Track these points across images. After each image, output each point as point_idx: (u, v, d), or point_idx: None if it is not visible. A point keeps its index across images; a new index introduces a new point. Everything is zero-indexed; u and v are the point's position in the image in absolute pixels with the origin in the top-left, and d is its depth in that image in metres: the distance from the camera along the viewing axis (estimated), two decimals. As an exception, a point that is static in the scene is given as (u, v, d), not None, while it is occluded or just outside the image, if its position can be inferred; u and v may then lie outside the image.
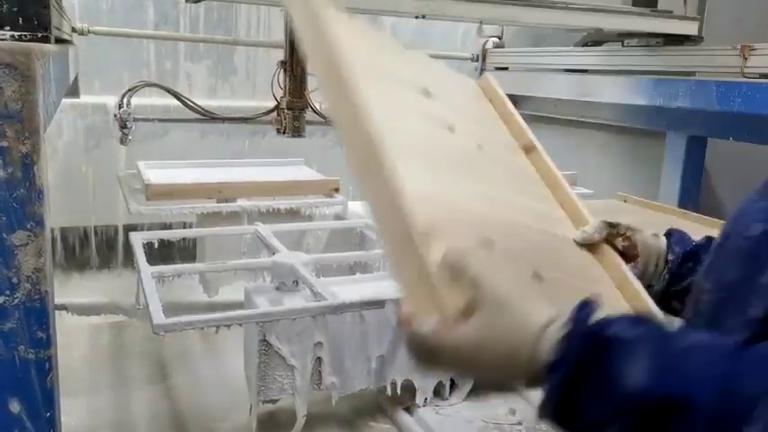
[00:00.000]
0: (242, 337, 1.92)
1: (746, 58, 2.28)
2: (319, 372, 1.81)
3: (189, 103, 2.58)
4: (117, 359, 2.34)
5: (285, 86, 2.53)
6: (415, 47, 3.01)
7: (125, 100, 2.52)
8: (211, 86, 3.64)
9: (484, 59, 3.57)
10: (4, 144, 0.85)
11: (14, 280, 0.89)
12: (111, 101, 3.35)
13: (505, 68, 3.52)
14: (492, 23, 2.14)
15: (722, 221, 2.20)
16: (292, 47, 2.45)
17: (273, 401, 1.84)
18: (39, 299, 0.90)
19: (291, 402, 1.81)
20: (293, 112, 2.52)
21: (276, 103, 2.58)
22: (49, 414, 0.94)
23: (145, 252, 1.87)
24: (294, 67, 2.49)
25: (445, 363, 0.65)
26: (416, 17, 1.95)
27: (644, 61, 2.68)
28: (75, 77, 2.47)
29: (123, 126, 2.50)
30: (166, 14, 3.45)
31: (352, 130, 0.71)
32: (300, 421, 1.81)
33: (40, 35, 1.19)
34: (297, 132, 2.55)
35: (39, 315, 0.91)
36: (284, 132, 2.55)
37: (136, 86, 2.56)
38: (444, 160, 0.91)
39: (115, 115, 2.50)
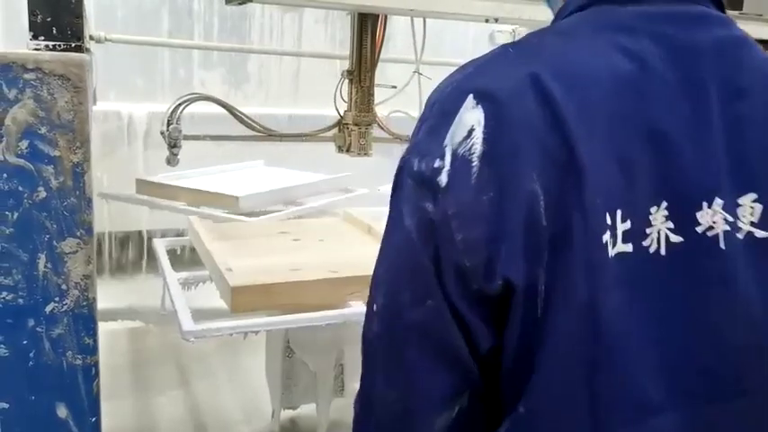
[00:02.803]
0: (262, 343, 1.93)
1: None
2: (342, 378, 1.83)
3: (243, 117, 2.30)
4: (136, 365, 2.35)
5: (351, 99, 2.25)
6: (426, 54, 3.00)
7: (175, 115, 2.13)
8: (224, 94, 3.66)
9: (495, 67, 3.59)
10: (57, 154, 0.87)
11: (64, 287, 0.90)
12: (125, 108, 3.40)
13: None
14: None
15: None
16: (360, 55, 2.22)
17: (295, 407, 1.86)
18: (86, 305, 0.92)
19: (313, 408, 1.82)
20: (359, 129, 2.26)
21: (339, 117, 2.29)
22: (94, 419, 0.96)
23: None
24: (362, 77, 2.24)
25: None
26: (486, 21, 1.88)
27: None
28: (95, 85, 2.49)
29: (173, 145, 2.14)
30: (180, 22, 3.48)
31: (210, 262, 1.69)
32: (323, 427, 1.82)
33: (73, 45, 1.21)
34: (363, 151, 2.27)
35: (86, 321, 0.92)
36: (348, 150, 2.28)
37: (186, 100, 2.16)
38: (271, 252, 1.79)
39: (162, 133, 2.13)
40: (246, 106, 3.72)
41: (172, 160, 2.14)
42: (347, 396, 1.84)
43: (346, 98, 2.29)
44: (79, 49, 1.22)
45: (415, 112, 2.49)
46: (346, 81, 2.29)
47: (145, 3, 3.38)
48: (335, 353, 1.80)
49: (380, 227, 1.96)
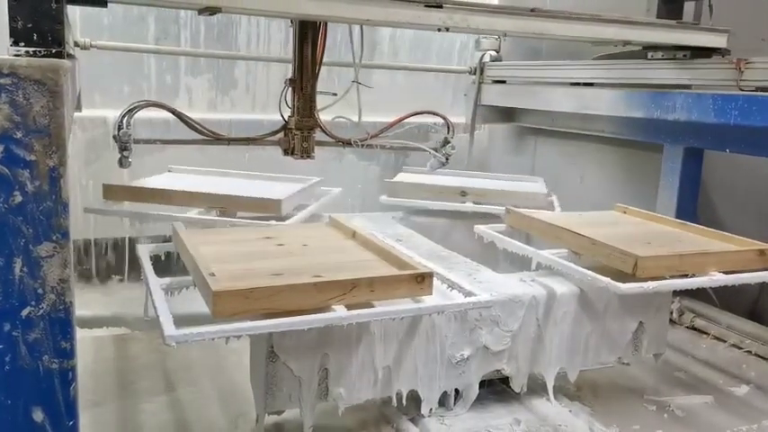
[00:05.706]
0: (247, 349, 1.93)
1: (742, 72, 2.33)
2: (326, 383, 1.83)
3: (191, 122, 2.39)
4: (121, 372, 2.35)
5: (293, 105, 2.41)
6: (413, 61, 3.01)
7: (125, 120, 2.27)
8: (211, 100, 3.67)
9: (482, 73, 3.62)
10: (32, 158, 0.87)
11: (40, 291, 0.90)
12: (112, 114, 3.39)
13: (503, 82, 3.57)
14: (519, 36, 2.08)
15: (721, 232, 2.24)
16: (302, 63, 2.34)
17: (279, 412, 1.85)
18: (63, 309, 0.92)
19: (298, 413, 1.82)
20: (302, 133, 2.40)
21: (284, 122, 2.45)
22: (71, 423, 0.96)
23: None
24: (303, 84, 2.36)
25: None
26: (439, 30, 1.94)
27: (640, 74, 2.73)
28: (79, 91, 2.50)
29: (123, 148, 2.27)
30: (167, 29, 3.49)
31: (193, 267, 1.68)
32: (307, 432, 1.82)
33: (54, 51, 1.22)
34: (306, 153, 2.42)
35: (63, 325, 0.93)
36: (292, 153, 2.42)
37: (135, 106, 2.31)
38: (254, 257, 1.81)
39: (114, 137, 2.26)
40: (234, 112, 3.76)
41: (124, 162, 2.29)
42: (331, 400, 1.84)
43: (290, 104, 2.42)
44: (60, 54, 1.22)
45: (356, 117, 2.56)
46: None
47: (131, 10, 3.38)
48: (319, 357, 1.80)
49: (364, 232, 1.98)
